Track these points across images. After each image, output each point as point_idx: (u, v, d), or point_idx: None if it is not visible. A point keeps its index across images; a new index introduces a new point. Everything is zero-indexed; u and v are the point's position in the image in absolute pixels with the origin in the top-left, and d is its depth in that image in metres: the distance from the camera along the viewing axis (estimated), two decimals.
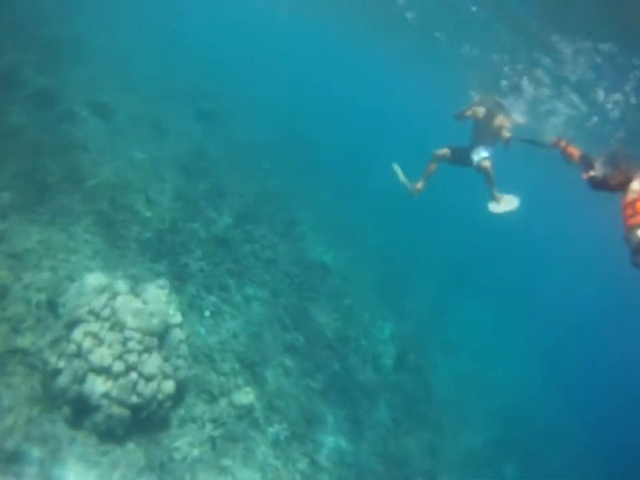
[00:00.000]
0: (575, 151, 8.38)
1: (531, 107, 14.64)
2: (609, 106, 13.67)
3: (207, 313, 13.29)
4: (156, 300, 9.92)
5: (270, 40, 51.08)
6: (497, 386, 21.15)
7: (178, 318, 10.45)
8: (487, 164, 10.98)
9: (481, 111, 11.25)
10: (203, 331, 12.79)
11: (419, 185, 11.98)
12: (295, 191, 21.45)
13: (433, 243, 26.78)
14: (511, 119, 11.73)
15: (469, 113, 11.33)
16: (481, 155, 11.12)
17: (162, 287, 10.60)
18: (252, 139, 23.74)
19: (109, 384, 8.83)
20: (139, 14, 30.25)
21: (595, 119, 14.36)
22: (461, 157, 11.51)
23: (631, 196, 6.63)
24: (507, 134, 11.08)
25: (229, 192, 17.54)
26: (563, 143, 8.65)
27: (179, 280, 13.38)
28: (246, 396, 12.01)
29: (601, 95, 13.52)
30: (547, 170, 19.29)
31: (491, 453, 17.39)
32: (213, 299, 13.72)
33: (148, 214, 14.60)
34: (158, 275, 12.86)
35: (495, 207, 11.29)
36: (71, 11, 23.87)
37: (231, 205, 16.94)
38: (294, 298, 15.62)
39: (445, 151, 11.55)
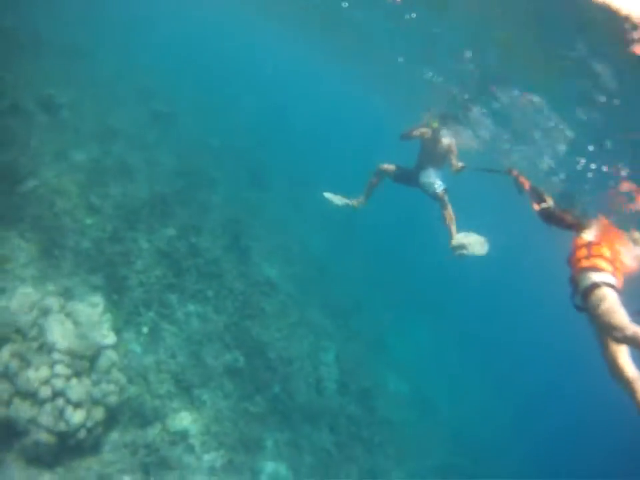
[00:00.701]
0: (525, 182, 8.39)
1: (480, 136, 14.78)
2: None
3: (145, 330, 12.87)
4: (88, 320, 9.52)
5: (229, 44, 51.04)
6: (441, 408, 21.45)
7: (111, 339, 10.05)
8: (444, 195, 10.93)
9: (428, 132, 11.25)
10: (139, 349, 12.37)
11: (360, 199, 11.90)
12: (242, 201, 21.11)
13: (381, 260, 26.83)
14: (458, 142, 11.71)
15: (416, 133, 11.27)
16: (435, 180, 11.08)
17: (95, 305, 10.19)
18: (204, 144, 23.45)
19: (35, 410, 8.40)
20: (101, 10, 29.65)
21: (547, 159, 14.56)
22: (406, 175, 11.43)
23: (586, 237, 6.56)
24: (456, 162, 11.05)
25: (175, 201, 17.06)
26: (515, 172, 8.66)
27: (116, 294, 12.94)
28: (181, 420, 11.67)
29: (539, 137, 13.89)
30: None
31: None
32: (151, 314, 13.31)
33: (88, 221, 14.09)
34: (94, 288, 12.42)
35: (458, 248, 10.77)
36: (32, 1, 23.15)
37: (175, 215, 16.48)
38: (237, 316, 15.25)
39: (390, 166, 11.41)
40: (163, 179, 18.01)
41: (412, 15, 13.65)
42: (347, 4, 17.23)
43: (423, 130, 11.25)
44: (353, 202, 11.97)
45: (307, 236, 23.67)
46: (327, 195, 12.04)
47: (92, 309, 9.90)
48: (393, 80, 21.44)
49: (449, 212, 10.96)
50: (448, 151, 11.20)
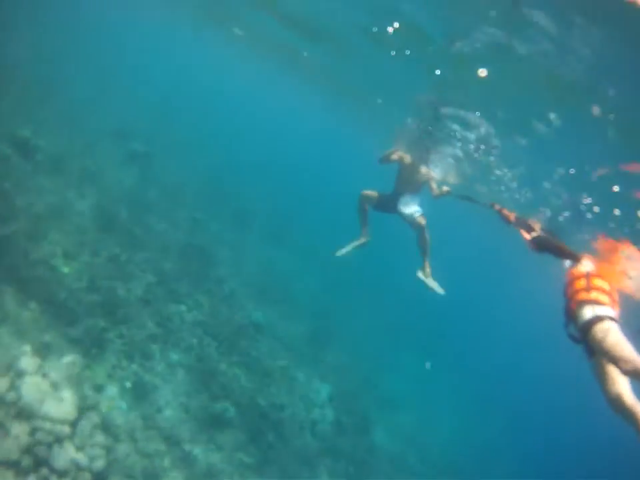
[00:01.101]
0: (509, 214, 8.13)
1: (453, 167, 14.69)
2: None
3: (128, 384, 12.27)
4: (67, 381, 9.02)
5: (209, 82, 51.18)
6: (439, 441, 21.16)
7: (93, 399, 9.51)
8: (423, 221, 10.66)
9: (407, 157, 11.17)
10: (123, 405, 11.75)
11: (364, 235, 11.52)
12: (224, 242, 20.73)
13: (368, 295, 26.51)
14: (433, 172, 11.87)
15: (395, 156, 11.12)
16: (414, 208, 10.90)
17: (74, 363, 9.67)
18: (184, 184, 23.08)
19: None
20: (77, 43, 29.96)
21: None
22: (386, 203, 11.18)
23: (583, 268, 6.34)
24: (437, 187, 11.10)
25: (155, 246, 16.63)
26: (497, 206, 8.44)
27: (96, 347, 12.35)
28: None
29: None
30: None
31: None
32: (134, 367, 12.72)
33: (65, 270, 13.57)
34: (73, 342, 11.89)
35: (424, 277, 10.90)
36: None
37: (156, 261, 16.02)
38: (223, 363, 14.73)
39: (372, 192, 11.16)
40: (142, 221, 17.52)
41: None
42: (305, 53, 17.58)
43: (402, 154, 11.19)
44: (360, 240, 11.58)
45: (292, 273, 23.29)
46: (340, 252, 11.53)
47: (71, 368, 9.35)
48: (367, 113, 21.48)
49: (425, 238, 10.79)
50: (427, 177, 11.18)
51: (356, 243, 11.55)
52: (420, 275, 10.89)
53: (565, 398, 35.17)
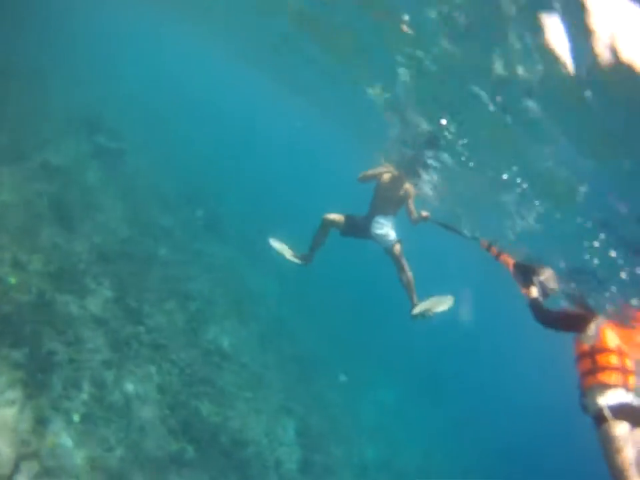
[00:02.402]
0: (509, 260, 7.30)
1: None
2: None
3: (76, 418, 11.15)
4: (3, 427, 7.90)
5: (189, 79, 50.97)
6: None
7: (33, 445, 8.44)
8: (399, 248, 10.05)
9: (386, 175, 10.59)
10: (69, 442, 10.63)
11: (306, 256, 10.93)
12: (193, 254, 19.74)
13: (342, 315, 25.82)
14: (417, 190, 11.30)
15: (375, 172, 10.69)
16: (388, 230, 10.28)
17: (12, 403, 8.58)
18: (153, 187, 22.05)
19: None
20: (57, 29, 29.41)
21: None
22: (356, 226, 10.47)
23: (588, 342, 5.85)
24: (415, 210, 10.50)
25: (115, 256, 15.49)
26: (494, 250, 7.56)
27: (41, 373, 11.20)
28: None
29: None
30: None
31: None
32: (84, 397, 11.59)
33: (12, 280, 12.39)
34: (15, 366, 10.74)
35: (421, 315, 9.86)
36: None
37: (115, 273, 14.86)
38: (184, 394, 13.69)
39: (338, 216, 10.43)
40: (105, 228, 16.43)
41: None
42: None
43: (383, 169, 10.66)
44: (297, 258, 10.96)
45: (264, 290, 22.42)
46: (274, 242, 11.08)
47: (8, 410, 8.27)
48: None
49: (406, 271, 10.06)
50: (405, 196, 10.51)
51: (293, 256, 10.96)
52: (416, 312, 9.86)
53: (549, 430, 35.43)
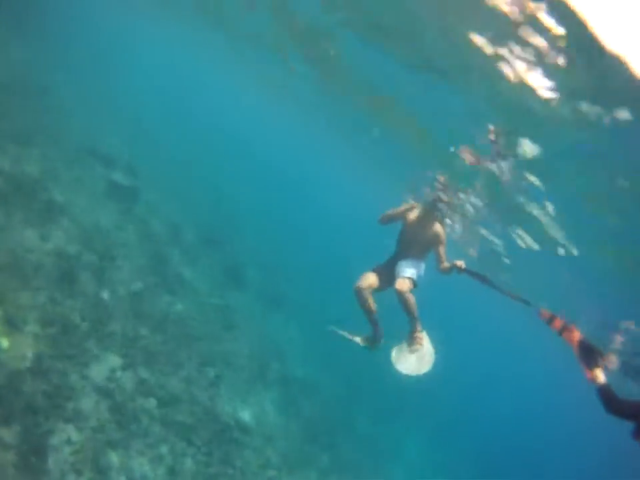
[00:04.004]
0: (574, 336, 6.03)
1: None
2: None
3: None
4: None
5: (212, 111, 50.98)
6: None
7: None
8: (405, 286, 8.68)
9: (412, 213, 9.45)
10: None
11: (373, 339, 9.63)
12: (213, 309, 18.54)
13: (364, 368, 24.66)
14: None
15: (398, 212, 9.57)
16: (404, 272, 8.97)
17: None
18: (170, 229, 20.90)
19: None
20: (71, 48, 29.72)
21: None
22: (388, 277, 9.24)
23: None
24: (446, 258, 9.12)
25: (124, 314, 14.18)
26: (558, 324, 6.21)
27: (35, 455, 9.90)
28: None
29: None
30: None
31: None
32: None
33: (3, 343, 11.08)
34: (5, 448, 9.58)
35: (399, 358, 9.08)
36: None
37: (123, 335, 13.54)
38: (200, 477, 12.25)
39: (369, 278, 9.19)
40: (114, 279, 15.12)
41: None
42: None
43: (407, 207, 9.53)
44: (365, 340, 9.72)
45: (287, 345, 21.14)
46: (334, 329, 9.79)
47: None
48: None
49: (408, 300, 8.78)
50: (434, 241, 9.21)
51: (357, 339, 9.70)
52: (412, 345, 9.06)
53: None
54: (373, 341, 9.60)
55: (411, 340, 9.13)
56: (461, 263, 8.71)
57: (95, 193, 18.64)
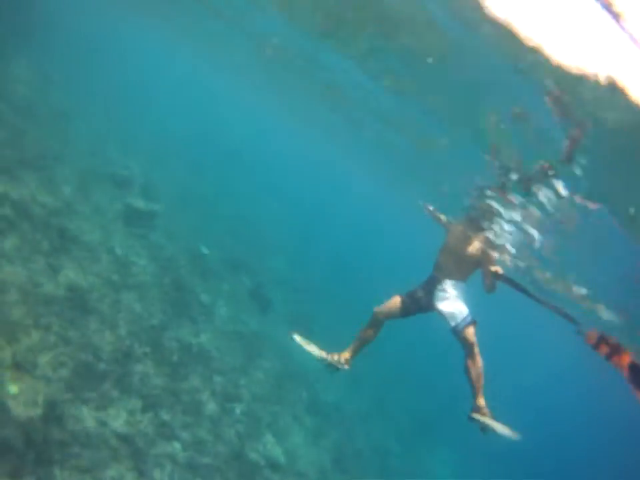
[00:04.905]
0: (625, 358, 5.54)
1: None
2: None
3: None
4: None
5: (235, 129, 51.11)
6: None
7: None
8: (472, 332, 7.84)
9: (458, 227, 8.79)
10: None
11: (345, 356, 8.83)
12: (238, 337, 17.84)
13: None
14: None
15: (438, 214, 9.20)
16: (457, 307, 8.13)
17: None
18: (191, 255, 20.32)
19: None
20: (91, 72, 29.93)
21: None
22: (417, 301, 8.48)
23: None
24: (494, 267, 8.03)
25: (144, 350, 13.48)
26: (604, 349, 5.60)
27: None
28: None
29: None
30: None
31: None
32: None
33: (12, 389, 10.38)
34: None
35: (481, 419, 7.77)
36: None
37: (142, 373, 12.81)
38: None
39: (393, 305, 8.49)
40: (132, 313, 14.41)
41: None
42: None
43: (449, 220, 9.09)
44: (333, 357, 8.82)
45: (315, 371, 20.28)
46: (297, 337, 9.00)
47: None
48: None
49: (477, 361, 7.85)
50: (482, 259, 8.34)
51: (323, 355, 8.82)
52: (476, 417, 7.74)
53: None
54: (340, 364, 8.75)
55: (479, 408, 8.05)
56: (496, 268, 7.93)
57: (109, 218, 18.00)
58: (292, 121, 36.11)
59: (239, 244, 24.26)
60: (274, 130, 51.69)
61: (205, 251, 21.02)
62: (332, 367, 8.76)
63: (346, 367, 8.76)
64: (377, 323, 8.50)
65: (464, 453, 24.40)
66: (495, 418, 7.70)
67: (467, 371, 7.88)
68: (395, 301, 8.49)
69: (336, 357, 8.74)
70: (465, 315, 7.99)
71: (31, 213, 14.52)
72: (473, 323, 7.94)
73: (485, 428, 7.63)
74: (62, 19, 30.68)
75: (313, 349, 8.78)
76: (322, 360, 8.75)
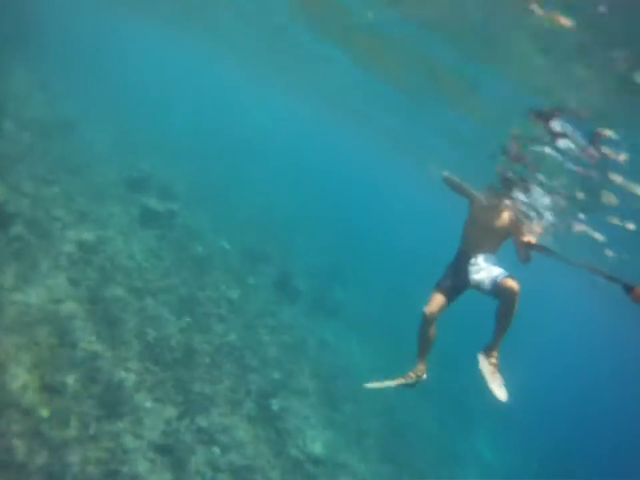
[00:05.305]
0: None
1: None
2: None
3: None
4: None
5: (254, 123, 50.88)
6: None
7: None
8: (514, 284, 7.14)
9: (482, 196, 8.28)
10: None
11: (420, 367, 8.23)
12: (265, 329, 17.49)
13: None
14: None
15: (466, 188, 8.34)
16: (492, 271, 7.58)
17: None
18: (212, 251, 20.16)
19: None
20: (97, 78, 30.26)
21: None
22: (456, 282, 8.01)
23: None
24: (525, 237, 7.64)
25: (173, 355, 13.31)
26: None
27: None
28: None
29: None
30: None
31: None
32: None
33: (43, 412, 10.25)
34: None
35: (485, 369, 7.43)
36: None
37: (175, 380, 12.64)
38: None
39: (438, 299, 7.92)
40: (158, 318, 14.25)
41: None
42: None
43: (474, 191, 8.34)
44: (410, 376, 8.21)
45: (349, 358, 20.22)
46: (370, 385, 8.40)
47: None
48: None
49: (511, 308, 7.27)
50: (511, 228, 7.96)
51: (397, 382, 8.23)
52: (481, 361, 7.46)
53: None
54: (419, 377, 8.38)
55: (489, 355, 7.76)
56: (529, 239, 7.54)
57: (128, 223, 17.83)
58: (308, 107, 35.55)
59: (259, 235, 23.89)
60: (288, 117, 51.10)
61: (226, 245, 20.79)
62: (413, 384, 8.40)
63: (424, 376, 8.37)
64: (431, 321, 8.06)
65: (503, 429, 24.00)
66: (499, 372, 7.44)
67: (497, 314, 7.50)
68: (437, 296, 8.05)
69: (412, 375, 8.22)
70: (498, 271, 7.60)
71: (45, 229, 14.37)
72: (510, 275, 7.54)
73: (484, 379, 7.38)
74: (56, 20, 30.50)
75: (389, 384, 8.35)
76: (403, 386, 8.38)
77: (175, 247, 18.21)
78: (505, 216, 7.95)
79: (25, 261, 12.88)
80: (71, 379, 10.96)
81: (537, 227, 11.80)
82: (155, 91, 41.50)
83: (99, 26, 38.62)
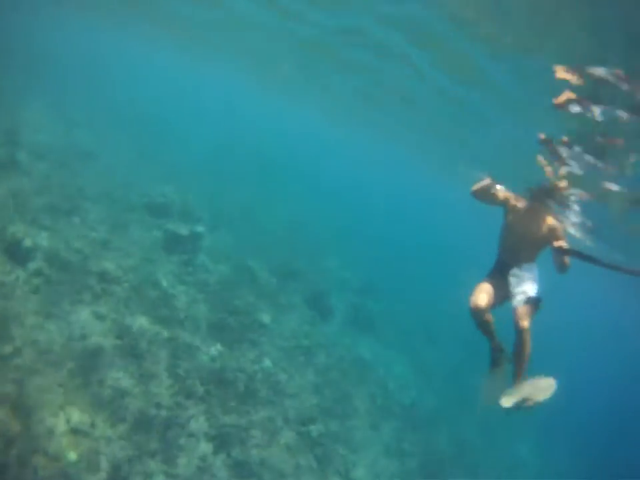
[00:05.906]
0: None
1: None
2: None
3: None
4: None
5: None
6: None
7: None
8: (524, 323, 6.91)
9: (520, 202, 7.55)
10: None
11: (497, 351, 7.47)
12: (300, 351, 17.01)
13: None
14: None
15: (500, 193, 7.52)
16: (527, 287, 7.20)
17: None
18: (241, 273, 19.63)
19: None
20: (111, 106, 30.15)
21: None
22: (502, 288, 7.37)
23: None
24: (557, 242, 7.13)
25: (207, 388, 12.82)
26: None
27: None
28: None
29: None
30: None
31: None
32: None
33: (72, 457, 9.80)
34: None
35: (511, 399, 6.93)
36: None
37: (207, 413, 12.13)
38: None
39: (485, 291, 7.27)
40: (187, 349, 13.76)
41: None
42: None
43: (510, 194, 7.59)
44: (496, 368, 7.47)
45: (386, 373, 19.63)
46: (505, 403, 7.56)
47: None
48: None
49: (526, 341, 6.91)
50: (551, 235, 7.31)
51: (497, 378, 7.48)
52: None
53: None
54: (500, 361, 7.67)
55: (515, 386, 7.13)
56: (560, 243, 6.94)
57: (151, 249, 17.46)
58: (335, 121, 35.19)
59: (287, 252, 23.31)
60: (314, 130, 50.89)
61: (254, 265, 20.31)
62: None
63: (502, 352, 7.68)
64: (482, 316, 7.18)
65: (545, 433, 23.31)
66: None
67: (516, 350, 7.00)
68: (483, 288, 7.22)
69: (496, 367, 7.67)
70: (529, 292, 7.02)
71: (66, 262, 14.01)
72: (536, 300, 6.97)
73: (522, 406, 6.88)
74: (67, 47, 30.53)
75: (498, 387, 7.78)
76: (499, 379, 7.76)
77: (201, 271, 17.74)
78: (545, 225, 7.35)
79: (46, 296, 12.48)
80: (98, 419, 10.51)
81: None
82: (170, 110, 41.50)
83: (108, 48, 38.62)
